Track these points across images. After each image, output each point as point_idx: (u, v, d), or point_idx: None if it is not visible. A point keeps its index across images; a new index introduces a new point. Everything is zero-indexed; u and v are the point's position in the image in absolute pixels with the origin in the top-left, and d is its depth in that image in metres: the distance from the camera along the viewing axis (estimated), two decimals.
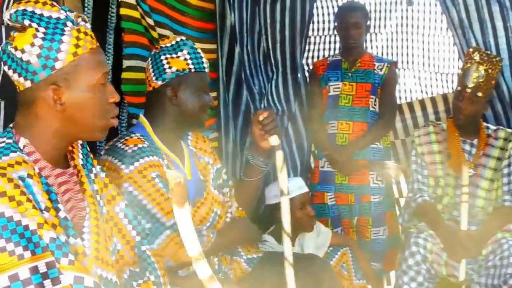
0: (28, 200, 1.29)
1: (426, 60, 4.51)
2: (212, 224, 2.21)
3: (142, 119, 2.20)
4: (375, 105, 3.46)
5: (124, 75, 2.61)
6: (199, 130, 2.35)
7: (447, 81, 4.48)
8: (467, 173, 2.94)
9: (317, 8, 4.44)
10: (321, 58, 4.42)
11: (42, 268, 1.26)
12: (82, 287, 1.33)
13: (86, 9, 2.49)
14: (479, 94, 3.00)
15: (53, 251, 1.29)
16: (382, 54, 4.54)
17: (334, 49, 4.56)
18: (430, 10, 4.45)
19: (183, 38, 2.24)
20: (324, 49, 4.60)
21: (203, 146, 2.36)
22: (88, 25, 1.48)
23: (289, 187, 2.01)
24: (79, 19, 1.45)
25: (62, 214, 1.39)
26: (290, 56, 3.71)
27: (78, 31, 1.42)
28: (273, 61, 3.67)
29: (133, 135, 2.12)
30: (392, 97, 3.54)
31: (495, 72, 3.00)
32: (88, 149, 1.64)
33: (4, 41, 1.76)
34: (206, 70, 2.22)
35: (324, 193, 3.51)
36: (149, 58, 2.22)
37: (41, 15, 1.40)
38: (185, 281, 2.04)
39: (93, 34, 1.47)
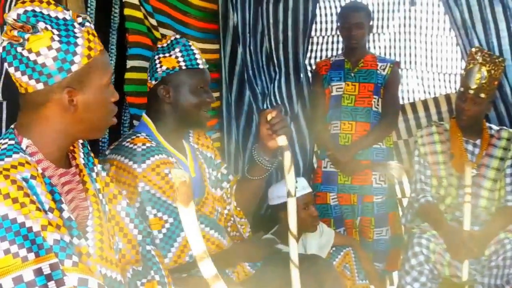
0: (32, 201, 1.29)
1: (429, 61, 4.51)
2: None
3: (146, 118, 2.19)
4: (378, 105, 3.45)
5: (128, 75, 2.61)
6: (201, 129, 2.33)
7: (450, 81, 4.49)
8: (470, 174, 2.93)
9: (319, 8, 4.44)
10: (323, 58, 4.44)
11: (46, 270, 1.26)
12: None
13: (89, 9, 2.49)
14: (482, 95, 2.99)
15: (57, 253, 1.29)
16: (385, 54, 4.54)
17: (337, 49, 4.57)
18: (433, 10, 4.45)
19: (178, 36, 2.23)
20: (326, 49, 4.61)
21: (205, 142, 2.35)
22: (92, 26, 1.47)
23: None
24: (80, 19, 1.44)
25: (66, 214, 1.39)
26: (293, 56, 3.71)
27: (88, 33, 1.42)
28: (275, 61, 3.67)
29: (139, 134, 2.12)
30: (395, 97, 3.52)
31: (498, 73, 3.00)
32: (89, 148, 1.64)
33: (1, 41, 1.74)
34: (201, 66, 2.17)
35: (326, 193, 3.51)
36: (150, 59, 2.22)
37: (56, 17, 1.39)
38: (185, 281, 2.03)
39: (97, 35, 1.48)
